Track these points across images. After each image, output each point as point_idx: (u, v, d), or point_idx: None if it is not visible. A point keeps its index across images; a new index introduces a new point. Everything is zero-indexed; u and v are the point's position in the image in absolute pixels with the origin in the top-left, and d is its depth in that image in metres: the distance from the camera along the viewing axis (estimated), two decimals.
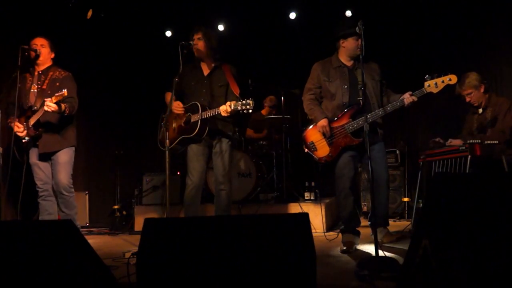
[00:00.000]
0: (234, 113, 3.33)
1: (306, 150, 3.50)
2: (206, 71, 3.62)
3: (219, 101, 3.51)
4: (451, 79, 3.20)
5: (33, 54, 3.52)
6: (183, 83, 3.57)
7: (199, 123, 3.41)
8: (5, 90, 3.58)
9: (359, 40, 3.20)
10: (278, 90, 5.19)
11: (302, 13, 5.86)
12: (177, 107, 3.52)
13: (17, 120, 3.50)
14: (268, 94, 5.77)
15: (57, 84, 3.52)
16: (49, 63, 3.66)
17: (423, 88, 3.22)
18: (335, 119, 3.34)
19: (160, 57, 5.70)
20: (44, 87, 3.52)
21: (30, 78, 3.62)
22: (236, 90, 3.53)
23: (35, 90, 3.54)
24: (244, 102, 3.25)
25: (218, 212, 3.61)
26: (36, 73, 3.62)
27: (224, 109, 3.30)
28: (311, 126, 3.45)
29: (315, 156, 3.43)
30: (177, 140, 3.55)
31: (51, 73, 3.61)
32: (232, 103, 3.28)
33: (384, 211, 3.39)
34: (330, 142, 3.34)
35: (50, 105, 3.25)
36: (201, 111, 3.41)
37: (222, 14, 5.91)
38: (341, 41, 3.38)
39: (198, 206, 3.60)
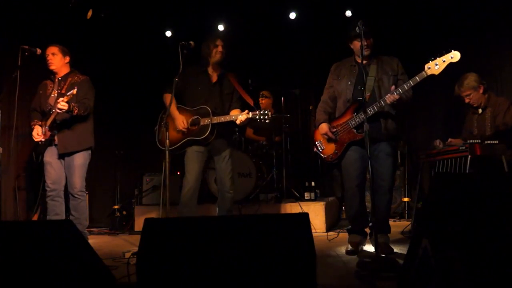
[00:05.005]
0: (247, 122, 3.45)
1: (315, 149, 3.51)
2: (214, 78, 3.66)
3: (225, 107, 3.61)
4: (454, 56, 2.88)
5: (32, 53, 3.56)
6: (187, 86, 3.58)
7: (210, 127, 3.45)
8: (6, 90, 3.60)
9: (365, 40, 3.15)
10: (278, 90, 5.18)
11: (302, 13, 5.86)
12: (181, 123, 3.51)
13: (39, 123, 3.62)
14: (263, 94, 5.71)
15: (75, 88, 3.60)
16: (66, 69, 3.77)
17: (423, 72, 2.97)
18: (340, 116, 3.34)
19: (160, 57, 5.70)
20: (63, 91, 3.63)
21: (51, 85, 3.75)
22: (250, 101, 3.66)
23: (55, 95, 3.67)
24: (262, 112, 3.37)
25: (221, 213, 3.62)
26: (56, 80, 3.75)
27: (244, 117, 3.38)
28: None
29: (322, 155, 3.44)
30: (183, 141, 3.55)
31: (69, 78, 3.73)
32: (251, 113, 3.39)
33: (382, 216, 3.23)
34: (335, 139, 3.34)
35: (61, 104, 3.38)
36: (212, 116, 3.46)
37: (222, 14, 5.91)
38: (350, 44, 3.35)
39: (194, 208, 3.59)
